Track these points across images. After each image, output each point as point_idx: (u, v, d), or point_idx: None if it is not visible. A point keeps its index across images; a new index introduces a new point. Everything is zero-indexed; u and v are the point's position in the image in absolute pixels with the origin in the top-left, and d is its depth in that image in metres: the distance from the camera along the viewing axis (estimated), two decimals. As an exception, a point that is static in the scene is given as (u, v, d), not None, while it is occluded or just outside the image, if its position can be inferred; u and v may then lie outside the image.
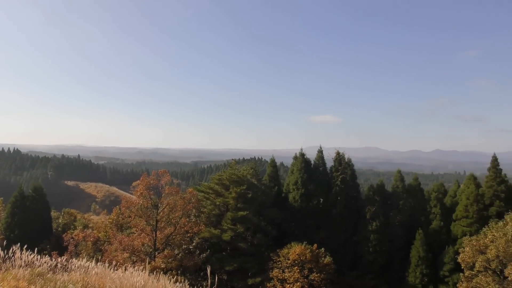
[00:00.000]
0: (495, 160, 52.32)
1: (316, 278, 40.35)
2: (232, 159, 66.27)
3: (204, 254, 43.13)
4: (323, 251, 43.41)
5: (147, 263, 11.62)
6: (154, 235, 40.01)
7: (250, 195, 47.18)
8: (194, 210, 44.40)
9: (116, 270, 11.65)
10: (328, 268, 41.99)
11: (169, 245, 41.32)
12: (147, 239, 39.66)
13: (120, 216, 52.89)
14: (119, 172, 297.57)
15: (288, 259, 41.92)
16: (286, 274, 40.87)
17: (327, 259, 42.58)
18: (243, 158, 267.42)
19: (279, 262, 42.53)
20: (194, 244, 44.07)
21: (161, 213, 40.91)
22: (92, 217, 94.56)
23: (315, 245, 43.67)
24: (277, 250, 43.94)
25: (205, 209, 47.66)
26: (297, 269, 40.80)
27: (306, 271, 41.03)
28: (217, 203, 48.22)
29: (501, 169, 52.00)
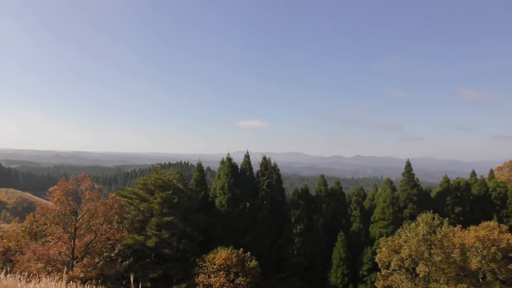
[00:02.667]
0: (408, 165, 56.26)
1: (242, 282, 40.55)
2: (158, 164, 64.70)
3: (127, 262, 41.55)
4: (249, 255, 43.78)
5: (64, 273, 10.89)
6: (72, 243, 37.93)
7: (176, 200, 46.39)
8: (116, 216, 42.75)
9: (29, 281, 10.83)
10: (254, 272, 42.40)
11: (89, 253, 39.47)
12: (64, 247, 37.46)
13: (35, 223, 49.63)
14: (34, 177, 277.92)
15: (214, 264, 41.75)
16: (212, 279, 40.61)
17: (253, 262, 43.01)
18: (169, 163, 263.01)
19: (205, 268, 42.19)
20: (116, 251, 42.34)
21: (81, 220, 38.93)
22: (2, 225, 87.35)
23: (241, 249, 43.97)
24: (203, 256, 43.60)
25: (128, 215, 46.14)
26: (223, 274, 40.74)
27: (232, 276, 41.08)
28: (141, 208, 46.85)
29: (414, 174, 56.03)
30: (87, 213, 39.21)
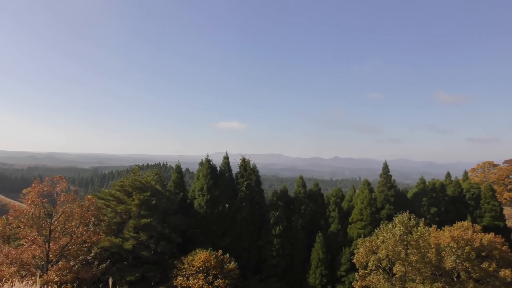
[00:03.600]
0: (386, 167, 57.13)
1: (220, 284, 40.38)
2: (136, 165, 63.89)
3: (104, 265, 40.85)
4: (228, 256, 43.68)
5: (38, 277, 10.59)
6: (47, 246, 37.16)
7: (154, 201, 45.93)
8: (93, 218, 42.10)
9: (2, 286, 10.53)
10: (233, 274, 42.30)
11: (64, 256, 38.73)
12: (38, 250, 36.66)
13: (8, 226, 48.37)
14: (7, 179, 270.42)
15: (193, 266, 41.48)
16: (190, 282, 40.31)
17: (232, 264, 42.92)
18: (147, 164, 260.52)
19: (184, 270, 41.87)
20: (92, 254, 41.63)
21: (56, 222, 38.19)
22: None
23: (220, 251, 43.86)
24: (182, 258, 43.28)
25: (105, 217, 45.48)
26: (201, 276, 40.50)
27: (211, 278, 40.87)
28: (119, 210, 46.20)
29: (391, 175, 56.92)
30: (63, 215, 38.54)
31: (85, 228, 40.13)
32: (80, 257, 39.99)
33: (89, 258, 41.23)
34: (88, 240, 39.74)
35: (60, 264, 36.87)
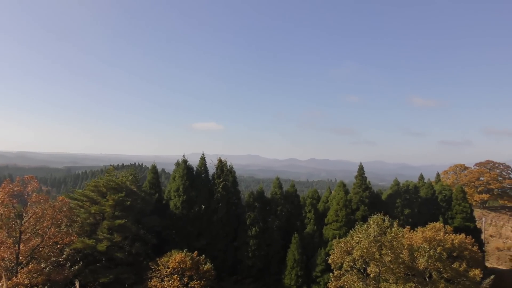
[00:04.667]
0: (361, 169, 57.88)
1: (196, 286, 40.15)
2: (110, 165, 62.82)
3: (76, 267, 40.05)
4: (203, 257, 43.46)
5: (4, 280, 10.25)
6: (16, 248, 36.20)
7: (129, 202, 45.31)
8: (65, 219, 41.30)
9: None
10: (208, 275, 42.11)
11: (35, 258, 37.87)
12: (8, 252, 35.71)
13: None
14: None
15: (168, 268, 41.10)
16: (165, 283, 39.90)
17: (208, 265, 42.73)
18: (123, 164, 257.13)
19: (159, 271, 41.44)
20: (64, 256, 40.75)
21: (26, 223, 37.28)
22: None
23: (196, 252, 43.62)
24: (157, 259, 42.82)
25: (78, 218, 44.65)
26: (177, 278, 40.16)
27: (186, 279, 40.56)
28: (92, 211, 45.36)
29: (366, 177, 57.71)
30: (34, 216, 37.67)
31: (57, 229, 39.35)
32: (52, 259, 39.19)
33: (61, 260, 40.37)
34: (60, 242, 39.00)
35: (30, 266, 35.97)
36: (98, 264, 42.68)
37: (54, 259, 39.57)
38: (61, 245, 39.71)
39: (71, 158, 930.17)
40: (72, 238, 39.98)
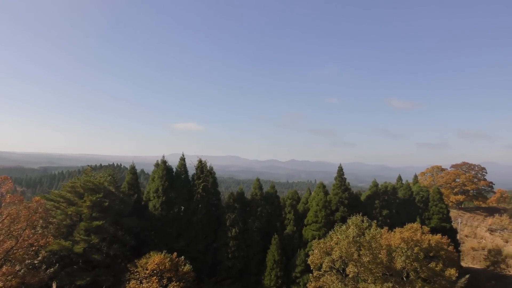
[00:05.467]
0: (340, 170, 58.38)
1: (175, 287, 39.80)
2: (88, 165, 61.98)
3: (52, 269, 39.27)
4: (183, 259, 43.17)
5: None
6: (-11, 250, 35.20)
7: (107, 203, 44.63)
8: (41, 221, 40.40)
9: None
10: (187, 276, 41.83)
11: (9, 260, 36.96)
12: (-20, 255, 34.70)
13: None
14: None
15: (147, 269, 40.68)
16: (144, 285, 39.47)
17: (187, 267, 42.46)
18: (101, 165, 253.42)
19: (137, 273, 40.97)
20: (39, 258, 39.90)
21: (0, 225, 36.32)
22: None
23: (175, 253, 43.27)
24: (135, 261, 42.34)
25: (54, 220, 43.68)
26: (155, 279, 39.76)
27: (165, 281, 40.20)
28: (69, 212, 44.51)
29: (345, 178, 58.26)
30: (8, 217, 36.70)
31: (32, 230, 38.50)
32: (27, 261, 38.35)
33: (36, 262, 39.52)
34: (35, 244, 38.16)
35: (4, 268, 35.07)
36: (75, 267, 41.93)
37: (29, 261, 38.75)
38: (37, 247, 38.87)
39: (47, 158, 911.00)
40: (48, 240, 39.20)
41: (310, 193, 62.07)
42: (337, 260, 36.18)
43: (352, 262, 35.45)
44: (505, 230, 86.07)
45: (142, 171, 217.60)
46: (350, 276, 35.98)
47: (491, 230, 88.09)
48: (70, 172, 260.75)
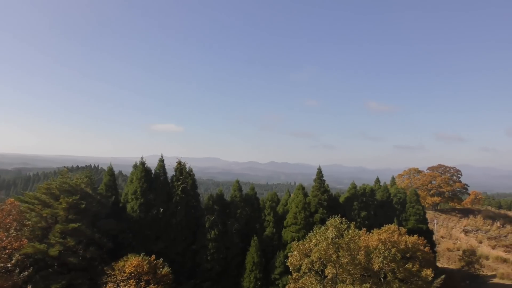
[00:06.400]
0: (320, 172, 58.73)
1: (153, 290, 39.37)
2: (64, 167, 60.84)
3: (26, 273, 38.39)
4: (161, 261, 42.76)
5: None
6: (-40, 253, 34.21)
7: (83, 205, 43.87)
8: (14, 223, 39.57)
9: None
10: (166, 279, 41.43)
11: (-19, 264, 35.83)
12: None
13: None
14: None
15: (124, 272, 40.10)
16: (121, 288, 38.90)
17: (165, 269, 42.06)
18: (77, 166, 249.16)
19: (114, 276, 40.35)
20: (13, 261, 38.96)
21: (-28, 228, 35.29)
22: None
23: (153, 256, 42.81)
24: (112, 264, 41.69)
25: (29, 222, 42.78)
26: (133, 282, 39.22)
27: (143, 284, 39.70)
28: (44, 214, 43.58)
29: (324, 180, 58.65)
30: (-20, 220, 35.75)
31: (6, 233, 37.85)
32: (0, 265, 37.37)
33: (9, 265, 38.60)
34: (8, 247, 37.41)
35: (-25, 272, 34.21)
36: (50, 270, 41.09)
37: (2, 265, 37.91)
38: (10, 250, 38.08)
39: (22, 159, 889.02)
40: (22, 242, 38.44)
41: (290, 195, 62.29)
42: (316, 262, 36.36)
43: (331, 263, 35.69)
44: (479, 231, 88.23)
45: (120, 172, 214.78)
46: (328, 277, 36.23)
47: (466, 231, 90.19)
48: (46, 174, 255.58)
